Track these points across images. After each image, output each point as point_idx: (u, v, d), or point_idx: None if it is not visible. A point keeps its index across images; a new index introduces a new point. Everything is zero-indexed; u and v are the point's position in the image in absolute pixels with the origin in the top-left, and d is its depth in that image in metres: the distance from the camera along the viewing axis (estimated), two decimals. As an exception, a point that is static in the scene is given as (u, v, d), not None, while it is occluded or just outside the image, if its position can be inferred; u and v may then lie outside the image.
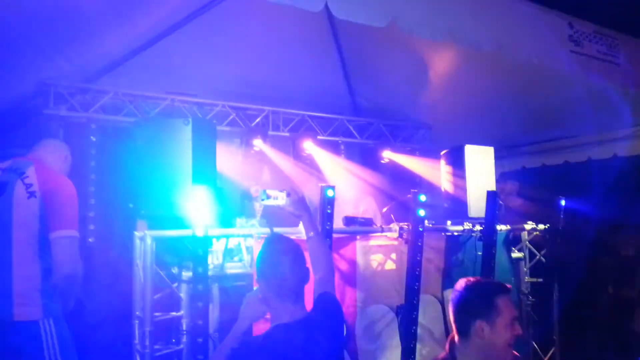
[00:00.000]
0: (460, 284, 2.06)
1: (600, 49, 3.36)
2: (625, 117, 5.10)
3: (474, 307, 1.97)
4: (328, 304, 2.21)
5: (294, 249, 2.08)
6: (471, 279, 2.08)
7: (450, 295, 2.09)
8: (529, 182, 5.84)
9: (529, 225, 4.61)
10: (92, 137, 4.95)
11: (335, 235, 3.48)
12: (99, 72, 5.35)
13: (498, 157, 4.76)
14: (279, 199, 2.50)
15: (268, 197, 2.51)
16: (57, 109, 4.93)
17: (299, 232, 3.21)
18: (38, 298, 2.40)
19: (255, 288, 2.34)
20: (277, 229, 2.99)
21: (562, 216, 4.41)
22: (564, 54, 3.21)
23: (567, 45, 3.22)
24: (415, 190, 3.72)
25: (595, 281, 5.53)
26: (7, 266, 2.37)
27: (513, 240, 4.74)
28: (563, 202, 4.48)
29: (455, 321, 2.04)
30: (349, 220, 4.03)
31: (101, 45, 4.98)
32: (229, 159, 5.80)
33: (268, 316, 2.08)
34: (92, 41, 4.75)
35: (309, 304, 2.16)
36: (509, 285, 2.06)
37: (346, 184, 5.99)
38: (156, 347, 3.08)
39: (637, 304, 5.16)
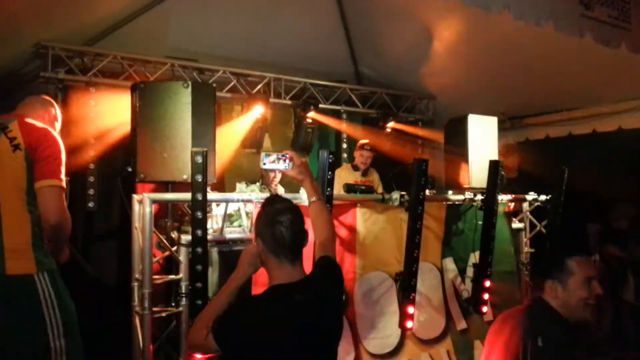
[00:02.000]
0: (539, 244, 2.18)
1: (611, 13, 3.26)
2: (632, 88, 5.03)
3: (544, 268, 2.13)
4: (328, 268, 2.20)
5: (291, 210, 2.05)
6: (552, 239, 2.19)
7: None
8: (532, 153, 5.79)
9: (531, 196, 4.59)
10: (91, 101, 4.89)
11: (335, 202, 3.46)
12: (98, 35, 5.28)
13: (502, 129, 4.72)
14: (280, 163, 2.46)
15: (269, 162, 2.47)
16: (55, 72, 4.87)
17: (300, 198, 3.21)
18: (30, 251, 2.39)
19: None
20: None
21: (564, 187, 4.37)
22: (573, 17, 3.12)
23: (578, 8, 3.13)
24: (417, 159, 3.68)
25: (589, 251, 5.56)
26: None
27: (514, 210, 4.72)
28: (566, 173, 4.43)
29: (531, 279, 2.17)
30: (349, 188, 4.00)
31: (100, 8, 4.90)
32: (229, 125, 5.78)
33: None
34: (90, 2, 4.67)
35: (309, 268, 2.15)
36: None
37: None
38: (155, 309, 3.09)
39: (627, 275, 5.21)
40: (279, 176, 4.90)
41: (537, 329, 2.04)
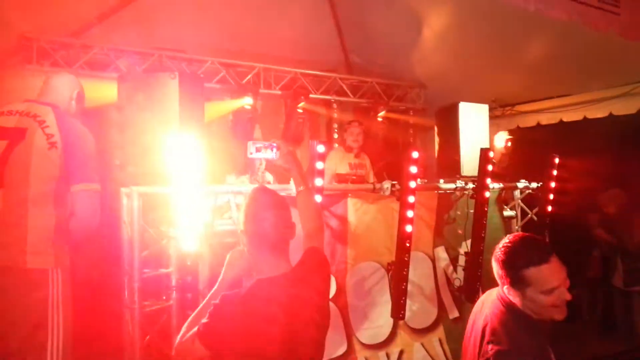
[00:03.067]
0: (498, 247, 2.03)
1: (600, -3, 3.25)
2: (622, 74, 5.03)
3: (502, 272, 1.97)
4: (314, 259, 2.18)
5: (277, 203, 2.03)
6: (512, 238, 2.01)
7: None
8: (524, 140, 5.80)
9: (522, 184, 4.59)
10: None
11: (326, 192, 3.44)
12: (84, 26, 5.19)
13: (493, 117, 4.71)
14: (268, 152, 2.43)
15: (257, 150, 2.44)
16: (41, 65, 4.79)
17: (289, 188, 3.19)
18: (50, 247, 2.35)
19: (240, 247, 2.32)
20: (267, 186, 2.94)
21: (555, 174, 4.38)
22: (563, 1, 3.10)
23: (567, -8, 3.11)
24: (409, 148, 3.66)
25: (583, 239, 5.60)
26: (22, 216, 2.31)
27: (506, 197, 4.72)
28: (556, 160, 4.43)
29: (496, 276, 2.04)
30: (340, 178, 3.99)
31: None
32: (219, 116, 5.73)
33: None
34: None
35: (296, 259, 2.13)
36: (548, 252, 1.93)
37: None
38: (145, 303, 3.07)
39: (617, 261, 5.25)
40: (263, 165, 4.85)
41: (492, 335, 1.96)
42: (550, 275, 1.87)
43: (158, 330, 3.20)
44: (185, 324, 2.02)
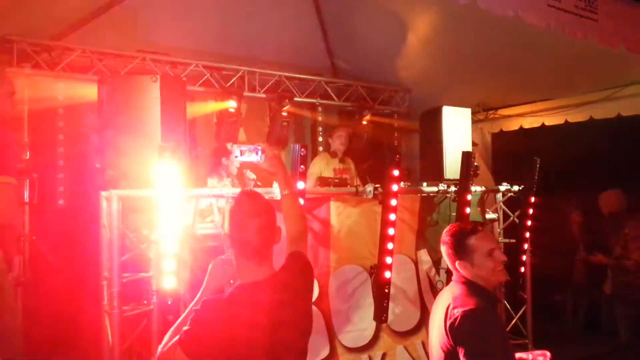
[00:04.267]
0: (443, 232, 2.41)
1: (578, 4, 3.28)
2: (602, 78, 5.10)
3: (452, 253, 2.32)
4: (297, 263, 2.17)
5: (262, 210, 2.01)
6: (450, 226, 2.41)
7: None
8: (507, 143, 5.85)
9: (504, 187, 4.63)
10: (59, 97, 4.77)
11: (309, 196, 3.44)
12: (66, 29, 5.14)
13: (476, 120, 4.75)
14: (253, 155, 2.42)
15: (241, 154, 2.43)
16: (21, 67, 4.73)
17: (272, 192, 3.18)
18: None
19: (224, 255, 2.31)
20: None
21: (536, 177, 4.42)
22: (540, 8, 3.13)
23: (545, -2, 3.15)
24: (391, 151, 3.68)
25: (565, 243, 5.65)
26: None
27: (488, 200, 4.76)
28: (538, 164, 4.48)
29: (448, 263, 2.38)
30: (323, 181, 3.99)
31: (68, 0, 4.77)
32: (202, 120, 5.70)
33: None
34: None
35: (280, 261, 2.13)
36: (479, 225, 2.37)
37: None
38: (125, 307, 3.03)
39: (607, 269, 5.27)
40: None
41: (454, 300, 2.25)
42: (487, 239, 2.31)
43: (138, 336, 3.17)
44: (168, 333, 2.00)
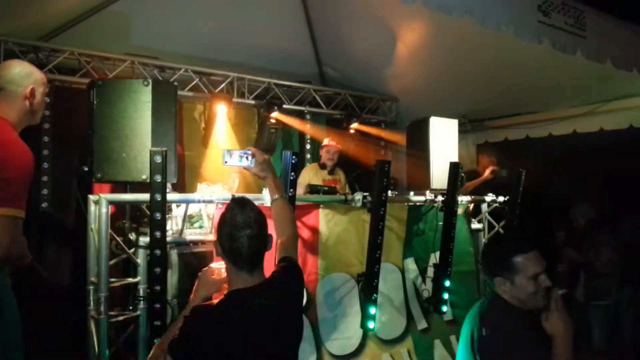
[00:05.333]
0: (487, 241, 2.22)
1: (568, 20, 3.38)
2: (586, 93, 5.22)
3: (492, 266, 2.23)
4: (288, 270, 2.18)
5: (253, 220, 2.00)
6: (498, 237, 2.24)
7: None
8: (492, 155, 5.94)
9: (489, 197, 4.69)
10: (45, 98, 4.70)
11: (298, 203, 3.44)
12: (54, 30, 5.10)
13: (462, 131, 4.80)
14: (243, 160, 2.42)
15: (231, 158, 2.43)
16: (8, 67, 4.66)
17: (263, 198, 3.18)
18: None
19: (212, 265, 2.31)
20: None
21: (521, 188, 4.50)
22: (532, 24, 3.21)
23: (536, 15, 3.23)
24: (379, 160, 3.71)
25: (548, 254, 5.72)
26: None
27: (473, 211, 4.82)
28: (523, 175, 4.55)
29: (484, 274, 2.31)
30: (312, 189, 4.00)
31: (58, 2, 4.74)
32: (191, 125, 5.69)
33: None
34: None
35: (271, 268, 2.13)
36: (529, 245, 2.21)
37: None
38: (112, 313, 3.00)
39: (580, 275, 5.40)
40: (236, 182, 4.87)
41: (483, 319, 2.17)
42: (534, 262, 2.15)
43: (124, 341, 3.14)
44: (157, 342, 1.99)
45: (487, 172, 5.48)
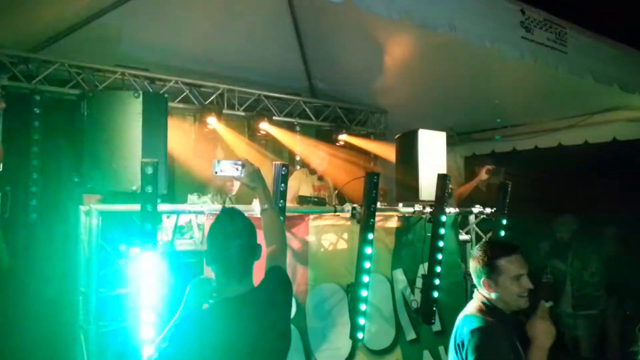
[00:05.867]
0: (476, 247, 2.47)
1: (549, 36, 3.47)
2: (570, 106, 5.32)
3: (478, 269, 2.36)
4: (276, 279, 2.21)
5: (243, 229, 2.04)
6: (485, 242, 2.50)
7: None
8: (479, 167, 5.99)
9: (477, 209, 4.75)
10: (35, 109, 4.71)
11: (287, 214, 3.47)
12: (44, 42, 5.11)
13: (450, 144, 4.87)
14: (233, 170, 2.45)
15: (222, 169, 2.46)
16: (-2, 79, 4.67)
17: (252, 210, 3.21)
18: None
19: (202, 276, 2.33)
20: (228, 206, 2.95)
21: (507, 200, 4.57)
22: (515, 40, 3.30)
23: (519, 31, 3.31)
24: (369, 172, 3.76)
25: (534, 265, 5.79)
26: None
27: (461, 222, 4.87)
28: (509, 188, 4.63)
29: (473, 278, 2.43)
30: (302, 200, 4.03)
31: (48, 13, 4.75)
32: (181, 137, 5.69)
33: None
34: (37, 8, 4.53)
35: (260, 277, 2.16)
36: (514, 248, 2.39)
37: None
38: (101, 323, 2.99)
39: (565, 285, 5.46)
40: (236, 185, 4.90)
41: (468, 321, 2.29)
42: (518, 264, 2.32)
43: (113, 352, 3.12)
44: (146, 352, 2.00)
45: (482, 172, 5.34)
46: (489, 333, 2.20)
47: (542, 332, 2.22)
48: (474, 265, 2.40)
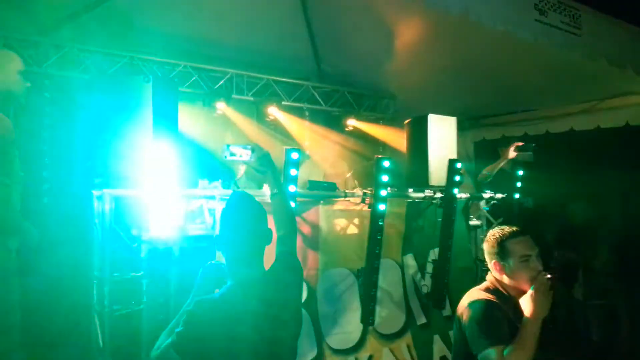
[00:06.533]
0: (488, 232, 2.53)
1: (563, 19, 3.41)
2: (582, 91, 5.26)
3: (490, 251, 2.44)
4: (287, 263, 2.21)
5: (254, 214, 2.05)
6: (497, 227, 2.50)
7: None
8: (490, 152, 5.96)
9: (488, 194, 4.73)
10: (45, 94, 4.71)
11: (299, 199, 3.47)
12: (54, 25, 5.09)
13: (460, 129, 4.84)
14: (243, 155, 2.45)
15: (232, 153, 2.45)
16: (8, 63, 4.65)
17: (263, 194, 3.21)
18: None
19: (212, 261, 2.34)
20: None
21: (519, 185, 4.54)
22: (529, 22, 3.24)
23: (533, 13, 3.26)
24: (379, 157, 3.74)
25: (546, 249, 5.77)
26: None
27: (472, 207, 4.86)
28: (520, 172, 4.60)
29: (487, 261, 2.49)
30: (313, 185, 4.03)
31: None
32: (191, 121, 5.69)
33: None
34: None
35: (270, 261, 2.16)
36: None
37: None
38: (115, 307, 3.02)
39: (578, 274, 5.43)
40: (242, 169, 4.91)
41: (468, 296, 2.40)
42: (526, 245, 2.38)
43: (127, 335, 3.15)
44: (160, 337, 2.01)
45: (510, 150, 5.13)
46: (485, 306, 2.28)
47: (538, 303, 2.26)
48: (486, 248, 2.48)
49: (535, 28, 3.35)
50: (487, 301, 2.30)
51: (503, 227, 2.47)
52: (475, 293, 2.40)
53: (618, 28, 4.05)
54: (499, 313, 2.28)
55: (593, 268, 5.33)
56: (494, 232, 2.47)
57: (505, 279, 2.38)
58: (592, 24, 3.71)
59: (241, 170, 4.95)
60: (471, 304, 2.32)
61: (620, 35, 4.04)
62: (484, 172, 5.15)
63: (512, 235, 2.41)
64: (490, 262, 2.44)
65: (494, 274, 2.43)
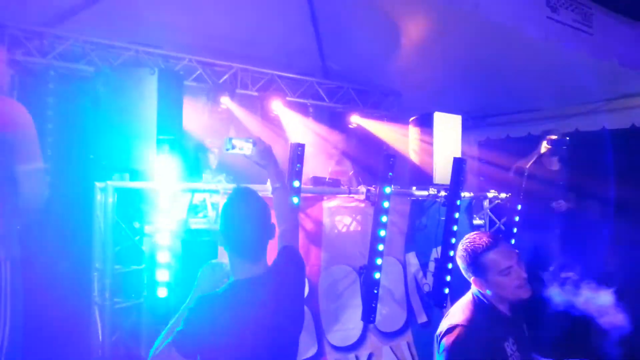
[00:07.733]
0: (459, 244, 2.26)
1: (575, 17, 3.38)
2: (590, 91, 5.22)
3: (466, 266, 2.19)
4: (289, 258, 2.20)
5: (257, 209, 2.03)
6: (466, 238, 2.24)
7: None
8: (493, 151, 5.94)
9: (491, 193, 4.71)
10: (49, 85, 4.70)
11: (302, 195, 3.45)
12: (58, 16, 5.07)
13: (465, 128, 4.81)
14: (245, 148, 2.41)
15: (233, 146, 2.41)
16: (12, 53, 4.65)
17: (266, 189, 3.18)
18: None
19: (213, 261, 2.32)
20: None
21: (523, 185, 4.51)
22: (540, 19, 3.21)
23: (544, 11, 3.23)
24: (384, 154, 3.72)
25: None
26: None
27: (475, 207, 4.83)
28: (525, 172, 4.57)
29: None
30: (316, 181, 4.01)
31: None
32: (194, 115, 5.67)
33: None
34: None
35: (272, 256, 2.15)
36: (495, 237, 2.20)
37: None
38: (116, 300, 3.01)
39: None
40: None
41: (448, 314, 2.19)
42: (503, 256, 2.11)
43: (127, 329, 3.14)
44: (161, 335, 1.99)
45: (543, 144, 4.90)
46: (461, 337, 2.04)
47: None
48: (460, 265, 2.23)
49: (547, 26, 3.31)
50: (465, 330, 2.04)
51: (473, 238, 2.19)
52: (458, 313, 2.14)
53: (631, 28, 4.01)
54: (474, 345, 2.02)
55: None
56: (465, 246, 2.19)
57: (490, 293, 2.14)
58: (604, 23, 3.68)
59: (214, 161, 4.95)
60: (447, 332, 2.06)
61: (631, 35, 4.00)
62: (518, 164, 4.96)
63: (486, 248, 2.13)
64: (469, 279, 2.20)
65: (477, 288, 2.18)
